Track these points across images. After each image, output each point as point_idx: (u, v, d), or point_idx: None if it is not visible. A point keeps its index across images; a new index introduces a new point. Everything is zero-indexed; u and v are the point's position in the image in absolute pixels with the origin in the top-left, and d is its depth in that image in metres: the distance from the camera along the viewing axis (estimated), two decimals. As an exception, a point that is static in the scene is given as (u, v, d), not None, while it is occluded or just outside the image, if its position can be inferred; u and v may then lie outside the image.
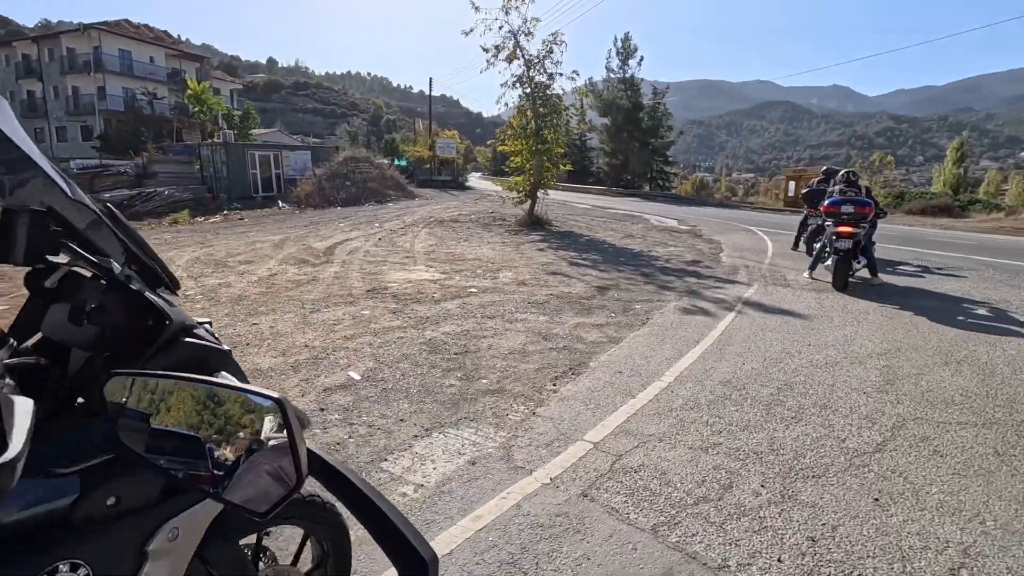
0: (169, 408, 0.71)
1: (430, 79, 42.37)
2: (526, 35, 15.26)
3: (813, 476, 2.59)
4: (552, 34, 15.20)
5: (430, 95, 42.96)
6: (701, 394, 3.56)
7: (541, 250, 10.14)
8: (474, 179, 44.06)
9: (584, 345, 4.55)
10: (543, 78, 14.96)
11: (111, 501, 0.74)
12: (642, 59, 39.67)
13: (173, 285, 1.04)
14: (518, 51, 15.18)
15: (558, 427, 3.08)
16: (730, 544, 2.11)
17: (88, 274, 0.98)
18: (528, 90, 15.14)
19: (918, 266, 9.29)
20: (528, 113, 15.08)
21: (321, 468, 0.66)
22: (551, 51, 15.11)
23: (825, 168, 9.88)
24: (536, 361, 4.15)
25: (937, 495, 2.44)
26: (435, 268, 7.90)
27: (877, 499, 2.40)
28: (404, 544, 0.57)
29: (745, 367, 4.10)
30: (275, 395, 0.60)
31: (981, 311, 6.08)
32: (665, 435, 2.99)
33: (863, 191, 7.89)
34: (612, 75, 40.48)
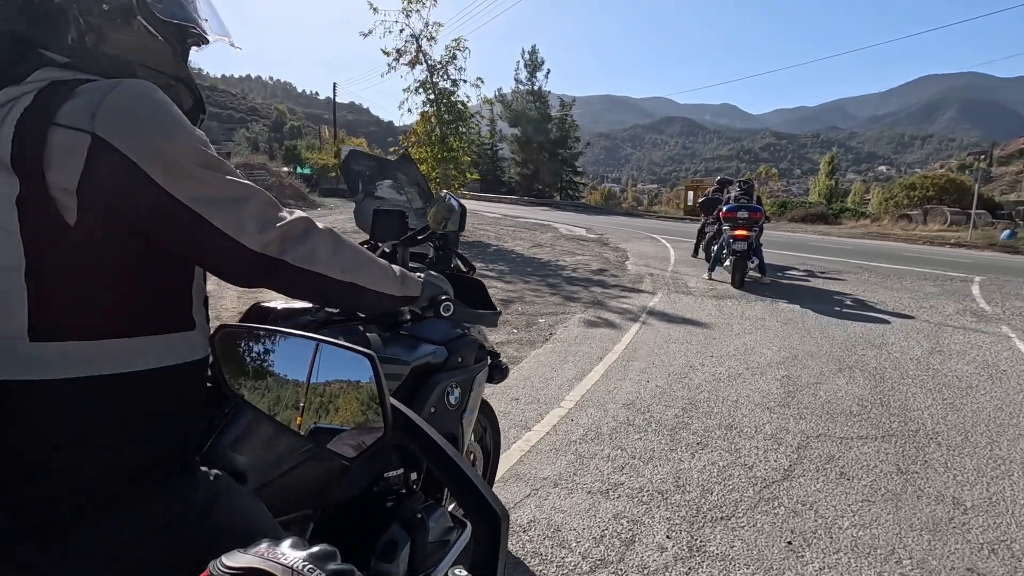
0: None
1: (334, 84, 40.76)
2: (428, 40, 14.79)
3: (722, 517, 2.29)
4: (455, 40, 14.85)
5: (334, 100, 41.24)
6: (603, 421, 3.22)
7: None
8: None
9: (480, 368, 4.11)
10: (447, 84, 14.54)
11: (460, 359, 1.47)
12: (549, 71, 40.55)
13: (468, 268, 1.78)
14: (420, 56, 14.68)
15: (439, 476, 2.59)
16: (632, 625, 1.72)
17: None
18: (432, 96, 14.66)
19: (804, 271, 9.81)
20: (432, 120, 14.59)
21: (405, 423, 0.66)
22: (454, 57, 14.75)
23: (719, 178, 10.30)
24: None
25: (850, 531, 2.22)
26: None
27: (790, 542, 2.13)
28: (480, 500, 0.60)
29: (649, 385, 3.84)
30: (368, 352, 0.63)
31: (864, 313, 6.36)
32: (562, 477, 2.59)
33: (754, 198, 8.21)
34: (521, 86, 40.97)
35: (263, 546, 0.40)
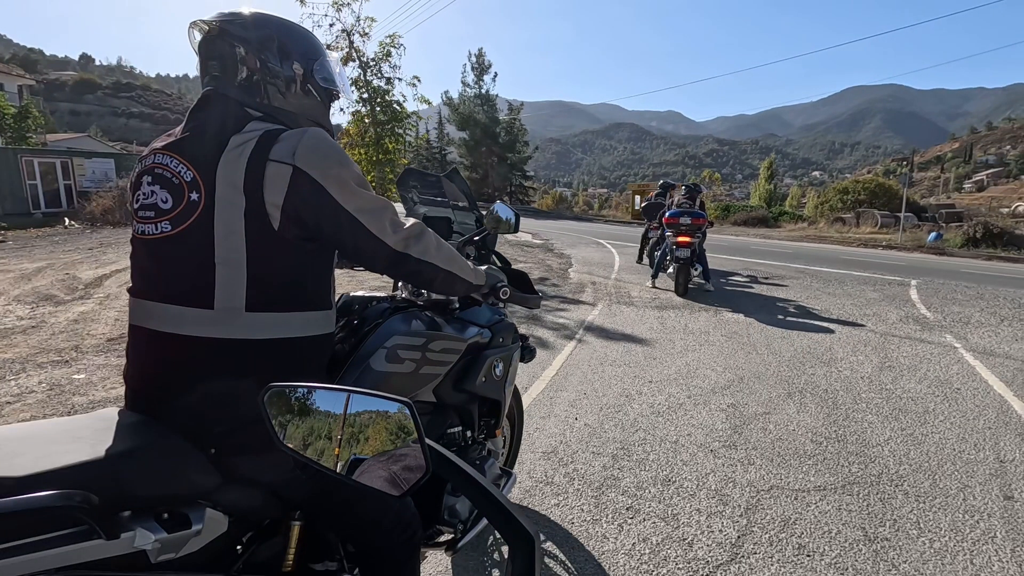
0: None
1: (272, 84, 38.69)
2: (361, 36, 13.96)
3: (652, 632, 1.71)
4: (390, 36, 14.08)
5: (273, 101, 39.23)
6: (516, 480, 2.61)
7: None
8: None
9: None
10: (381, 82, 13.74)
11: (501, 340, 1.72)
12: (496, 75, 40.03)
13: (505, 264, 1.91)
14: (353, 52, 13.82)
15: None
16: None
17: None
18: (365, 95, 13.82)
19: (748, 276, 9.60)
20: (366, 120, 13.74)
21: (440, 458, 0.71)
22: (389, 54, 13.97)
23: (662, 182, 9.92)
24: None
25: (816, 645, 1.69)
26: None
27: (741, 674, 1.57)
28: (514, 523, 0.64)
29: (577, 424, 3.26)
30: (405, 400, 0.70)
31: (809, 322, 6.06)
32: None
33: (698, 203, 7.87)
34: (468, 90, 40.31)
35: None
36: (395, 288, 1.78)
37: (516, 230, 1.81)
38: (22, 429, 0.95)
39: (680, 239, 7.38)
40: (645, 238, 10.49)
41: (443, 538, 1.52)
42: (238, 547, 1.09)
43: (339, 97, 1.27)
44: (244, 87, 1.10)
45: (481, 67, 40.48)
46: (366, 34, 13.94)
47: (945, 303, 7.47)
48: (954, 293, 8.30)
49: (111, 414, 1.01)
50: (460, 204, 1.97)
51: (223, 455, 0.99)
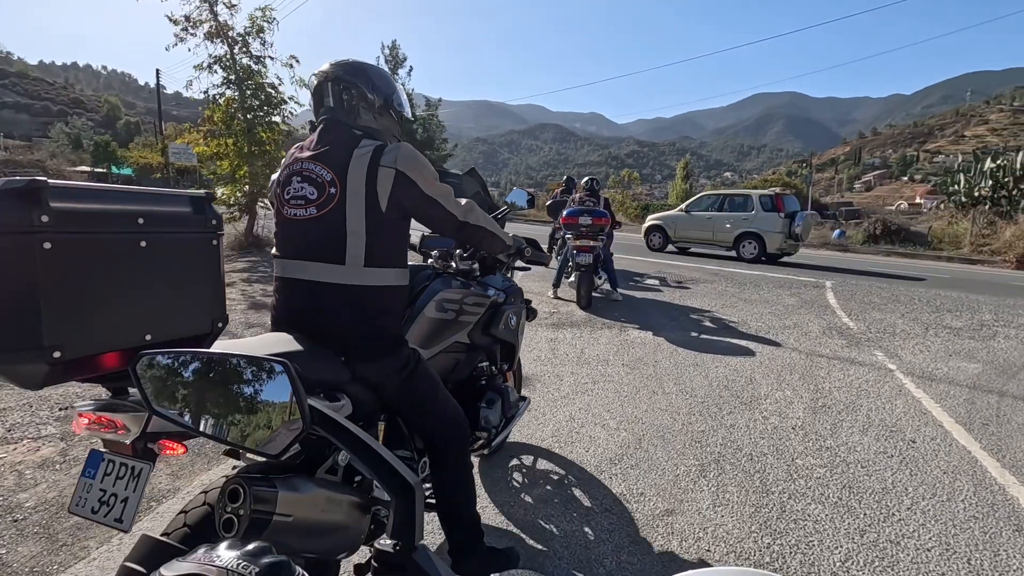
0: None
1: (157, 71, 34.70)
2: (228, 7, 11.94)
3: None
4: (261, 8, 12.14)
5: (158, 89, 35.14)
6: None
7: (246, 281, 7.25)
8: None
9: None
10: (249, 62, 11.82)
11: (512, 300, 2.20)
12: (412, 69, 38.04)
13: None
14: (218, 26, 11.79)
15: None
16: None
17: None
18: (233, 76, 11.83)
19: (660, 279, 8.74)
20: (233, 106, 11.75)
21: (320, 417, 0.76)
22: (261, 29, 12.05)
23: (566, 177, 8.70)
24: None
25: None
26: None
27: None
28: (393, 473, 0.69)
29: None
30: (281, 360, 0.71)
31: (725, 341, 5.09)
32: None
33: (601, 201, 6.79)
34: (382, 83, 38.09)
35: (200, 552, 0.45)
36: (425, 259, 2.26)
37: (532, 207, 2.56)
38: (231, 344, 1.31)
39: (580, 243, 6.27)
40: (552, 238, 9.45)
41: (478, 444, 2.12)
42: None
43: (405, 117, 1.69)
44: (349, 114, 1.54)
45: (395, 60, 38.34)
46: (233, 5, 11.95)
47: (864, 308, 6.85)
48: (870, 296, 7.78)
49: (278, 335, 1.41)
50: (479, 195, 2.61)
51: (350, 361, 1.44)
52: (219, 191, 12.04)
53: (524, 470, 2.65)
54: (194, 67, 12.00)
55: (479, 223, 1.65)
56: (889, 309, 6.84)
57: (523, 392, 2.95)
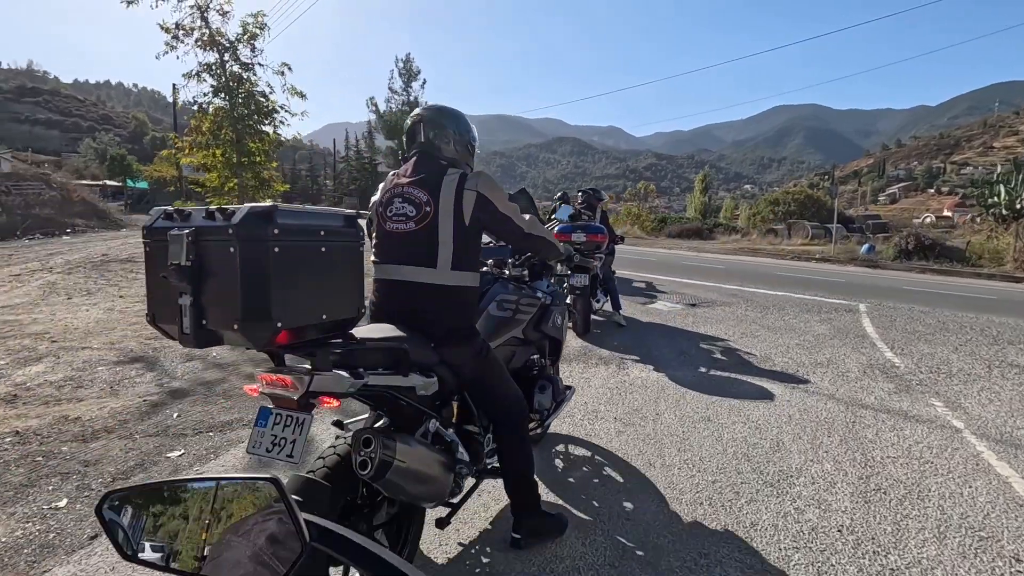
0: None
1: (173, 85, 34.92)
2: (221, 14, 11.51)
3: None
4: (253, 14, 11.67)
5: (174, 104, 35.36)
6: None
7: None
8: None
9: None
10: (239, 69, 11.33)
11: (557, 302, 2.67)
12: (425, 81, 37.89)
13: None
14: (211, 33, 11.35)
15: None
16: None
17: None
18: (222, 83, 11.35)
19: (674, 300, 7.86)
20: (221, 115, 11.25)
21: (320, 532, 0.66)
22: (254, 36, 11.58)
23: (560, 194, 7.70)
24: None
25: None
26: None
27: None
28: None
29: None
30: (270, 476, 0.64)
31: (744, 383, 4.20)
32: None
33: (597, 215, 5.96)
34: (396, 96, 37.92)
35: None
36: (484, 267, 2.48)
37: (578, 220, 4.23)
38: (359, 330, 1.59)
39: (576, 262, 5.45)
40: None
41: (532, 424, 2.41)
42: (437, 403, 1.85)
43: (474, 149, 2.11)
44: (437, 148, 1.95)
45: (409, 73, 38.23)
46: (225, 13, 11.51)
47: (909, 339, 5.89)
48: (912, 323, 6.79)
49: (384, 325, 1.75)
50: (528, 211, 2.64)
51: (438, 346, 1.78)
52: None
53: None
54: (183, 75, 11.56)
55: (540, 234, 2.07)
56: (938, 340, 5.87)
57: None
